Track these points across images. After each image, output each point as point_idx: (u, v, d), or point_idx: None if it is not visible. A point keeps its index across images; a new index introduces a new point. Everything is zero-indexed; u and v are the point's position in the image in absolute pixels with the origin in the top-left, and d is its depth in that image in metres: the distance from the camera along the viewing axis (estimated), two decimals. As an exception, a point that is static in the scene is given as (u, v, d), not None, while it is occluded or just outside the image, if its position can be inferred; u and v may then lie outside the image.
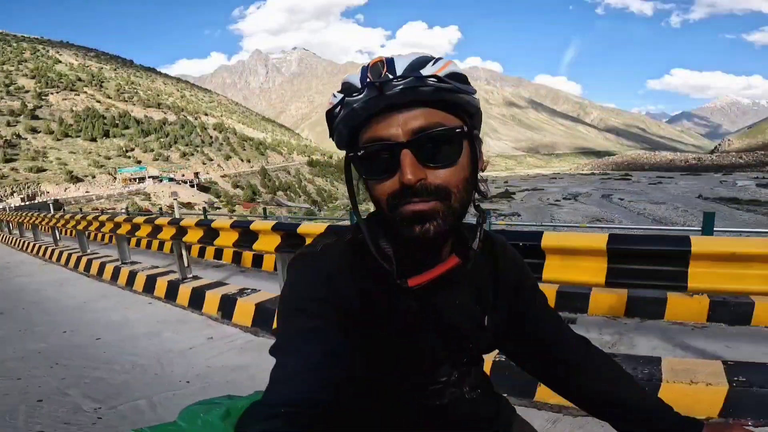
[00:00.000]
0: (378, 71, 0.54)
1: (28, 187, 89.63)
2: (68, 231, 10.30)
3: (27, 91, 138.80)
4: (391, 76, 0.54)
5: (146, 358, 3.05)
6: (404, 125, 0.55)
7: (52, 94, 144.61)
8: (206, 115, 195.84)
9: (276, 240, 3.82)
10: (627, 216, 47.63)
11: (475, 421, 0.72)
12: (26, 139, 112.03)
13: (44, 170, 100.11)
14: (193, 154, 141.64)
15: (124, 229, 5.95)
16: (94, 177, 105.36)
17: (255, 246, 3.99)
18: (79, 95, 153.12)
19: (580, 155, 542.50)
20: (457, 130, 0.57)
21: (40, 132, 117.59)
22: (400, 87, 0.54)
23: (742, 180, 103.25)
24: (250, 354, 3.08)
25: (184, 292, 4.41)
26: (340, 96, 0.57)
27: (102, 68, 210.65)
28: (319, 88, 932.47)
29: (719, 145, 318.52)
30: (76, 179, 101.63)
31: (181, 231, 4.84)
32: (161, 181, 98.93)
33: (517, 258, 0.78)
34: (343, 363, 0.55)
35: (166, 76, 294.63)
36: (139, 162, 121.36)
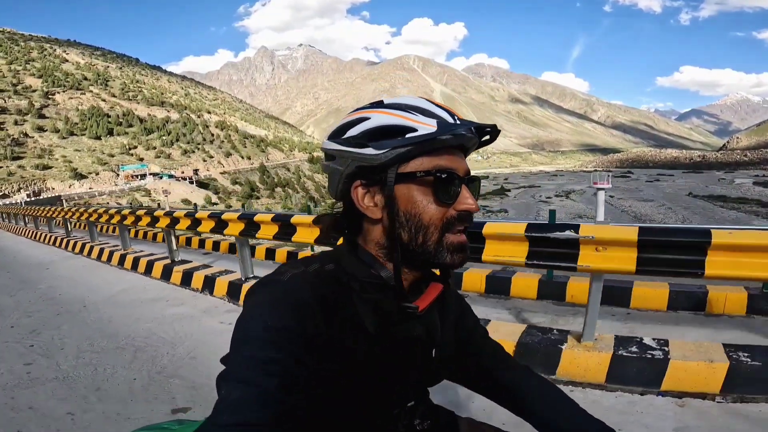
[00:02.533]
0: (453, 113, 0.64)
1: (34, 184, 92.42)
2: (80, 224, 10.82)
3: (34, 90, 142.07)
4: (461, 119, 0.63)
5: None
6: (463, 164, 0.65)
7: (58, 93, 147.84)
8: (209, 112, 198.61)
9: (240, 226, 4.50)
10: (610, 213, 48.79)
11: None
12: (33, 137, 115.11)
13: (50, 167, 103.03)
14: (194, 152, 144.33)
15: (141, 221, 6.47)
16: (97, 174, 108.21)
17: (225, 231, 4.67)
18: (84, 94, 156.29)
19: (586, 152, 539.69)
20: (481, 178, 0.67)
21: (46, 131, 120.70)
22: (475, 133, 0.63)
23: (741, 178, 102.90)
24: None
25: (177, 270, 5.28)
26: (432, 120, 0.61)
27: (108, 67, 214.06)
28: (324, 85, 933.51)
29: (728, 142, 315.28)
30: (80, 176, 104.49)
31: (174, 221, 5.50)
32: (161, 178, 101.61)
33: (457, 293, 0.84)
34: (299, 397, 0.53)
35: (170, 74, 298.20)
36: (141, 159, 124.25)
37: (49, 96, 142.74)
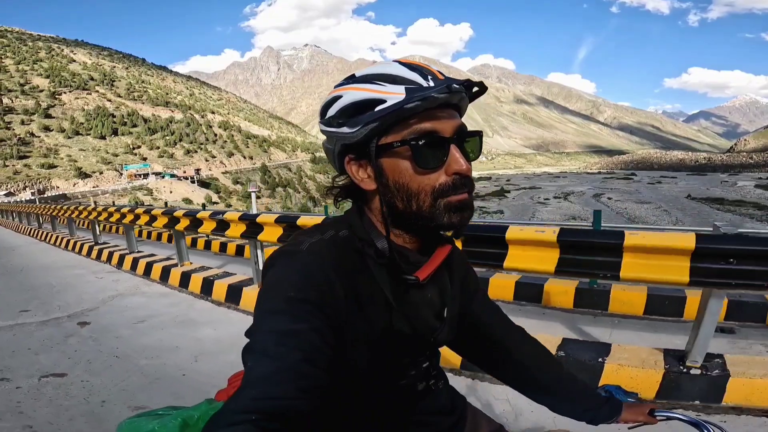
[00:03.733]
0: (430, 72, 0.60)
1: (40, 183, 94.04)
2: (106, 225, 10.51)
3: (41, 91, 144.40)
4: (441, 79, 0.60)
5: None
6: (451, 123, 0.61)
7: (65, 93, 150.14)
8: (213, 113, 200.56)
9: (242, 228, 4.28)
10: (606, 215, 48.95)
11: (441, 411, 0.77)
12: (39, 137, 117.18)
13: (55, 167, 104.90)
14: (196, 152, 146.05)
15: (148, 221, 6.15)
16: (101, 173, 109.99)
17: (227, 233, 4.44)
18: (90, 94, 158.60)
19: (592, 154, 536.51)
20: (479, 132, 0.65)
21: (52, 130, 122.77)
22: (458, 88, 0.59)
23: (743, 180, 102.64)
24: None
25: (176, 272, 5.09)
26: (401, 87, 0.58)
27: (114, 67, 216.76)
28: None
29: (735, 144, 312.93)
30: (84, 175, 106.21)
31: (174, 220, 5.38)
32: (163, 177, 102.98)
33: (461, 254, 0.84)
34: (322, 369, 0.54)
35: (176, 74, 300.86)
36: (144, 159, 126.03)
37: (56, 96, 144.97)
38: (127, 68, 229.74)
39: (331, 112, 0.63)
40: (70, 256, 7.72)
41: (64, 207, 10.12)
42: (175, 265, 5.36)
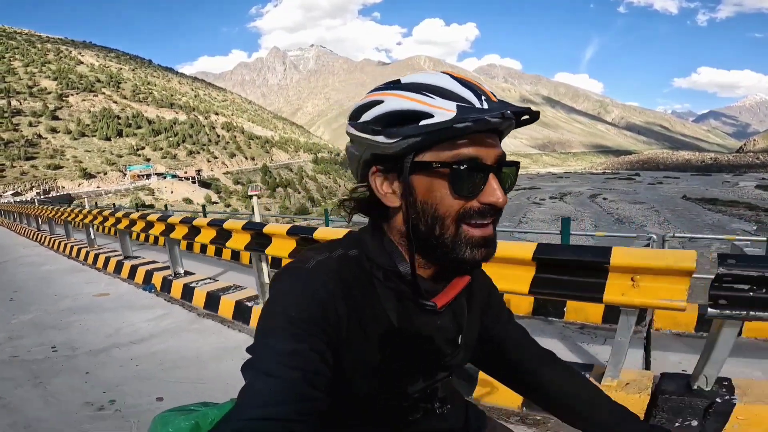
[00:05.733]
0: (483, 93, 0.56)
1: (46, 183, 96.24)
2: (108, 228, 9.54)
3: (49, 93, 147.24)
4: (495, 101, 0.56)
5: None
6: (493, 150, 0.57)
7: (72, 95, 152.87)
8: (217, 114, 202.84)
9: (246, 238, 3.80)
10: (596, 215, 49.73)
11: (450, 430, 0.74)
12: (46, 138, 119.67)
13: (61, 167, 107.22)
14: (199, 152, 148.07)
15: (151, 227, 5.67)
16: (105, 174, 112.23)
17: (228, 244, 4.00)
18: (97, 96, 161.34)
19: (598, 154, 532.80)
20: (518, 163, 0.62)
21: (59, 132, 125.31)
22: (510, 115, 0.54)
23: (746, 181, 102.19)
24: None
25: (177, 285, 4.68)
26: (452, 104, 0.54)
27: (121, 69, 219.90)
28: (335, 86, 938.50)
29: (744, 144, 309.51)
30: (89, 176, 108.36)
31: (170, 228, 4.94)
32: (165, 177, 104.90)
33: (486, 276, 0.81)
34: (321, 390, 0.53)
35: (182, 75, 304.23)
36: (148, 160, 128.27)
37: (63, 98, 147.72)
38: (133, 70, 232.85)
39: (368, 116, 0.58)
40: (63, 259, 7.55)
41: (60, 209, 9.94)
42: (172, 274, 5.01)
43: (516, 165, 0.62)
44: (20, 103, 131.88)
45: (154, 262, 5.88)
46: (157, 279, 5.04)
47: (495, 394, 2.23)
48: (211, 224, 4.22)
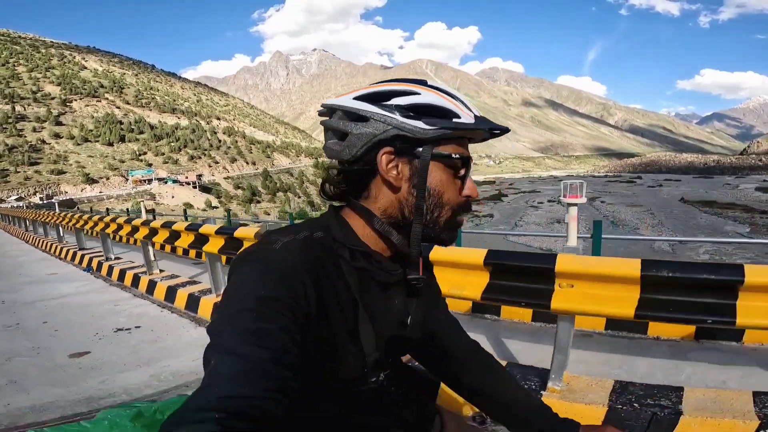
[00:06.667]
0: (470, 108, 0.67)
1: (49, 188, 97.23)
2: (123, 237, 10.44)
3: (53, 98, 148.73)
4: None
5: None
6: (468, 153, 0.68)
7: (75, 100, 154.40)
8: (218, 119, 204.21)
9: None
10: (592, 218, 49.76)
11: (402, 420, 0.77)
12: (50, 143, 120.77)
13: (64, 172, 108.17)
14: (200, 157, 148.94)
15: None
16: (108, 179, 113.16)
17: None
18: (100, 101, 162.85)
19: (601, 157, 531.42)
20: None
21: (62, 137, 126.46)
22: (489, 135, 0.69)
23: (747, 183, 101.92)
24: None
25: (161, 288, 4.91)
26: (470, 111, 0.65)
27: (124, 74, 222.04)
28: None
29: (748, 146, 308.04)
30: (92, 180, 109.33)
31: (152, 232, 5.23)
32: (166, 182, 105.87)
33: (431, 273, 0.88)
34: (291, 369, 0.53)
35: (185, 80, 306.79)
36: (150, 165, 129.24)
37: (67, 103, 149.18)
38: (136, 75, 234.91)
39: (401, 101, 0.63)
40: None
41: (53, 214, 10.91)
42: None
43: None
44: (24, 109, 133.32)
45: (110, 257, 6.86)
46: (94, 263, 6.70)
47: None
48: (144, 224, 5.38)
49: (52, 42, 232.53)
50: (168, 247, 6.52)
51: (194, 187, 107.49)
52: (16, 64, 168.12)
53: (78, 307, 4.57)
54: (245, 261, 0.61)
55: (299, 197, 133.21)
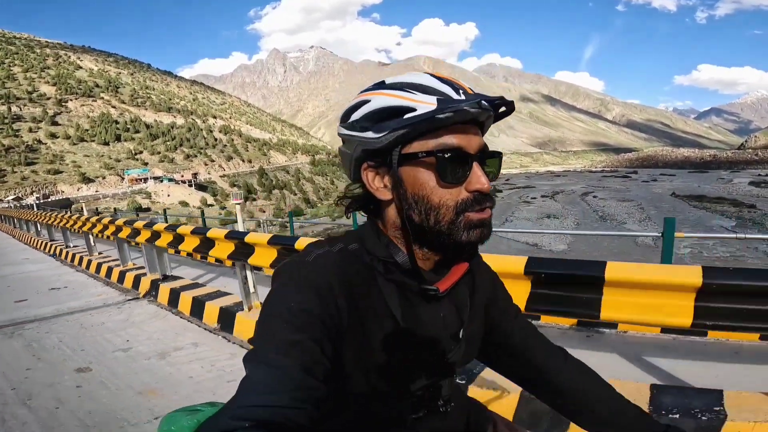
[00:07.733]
0: (461, 87, 0.61)
1: (45, 188, 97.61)
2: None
3: (48, 98, 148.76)
4: (471, 93, 0.60)
5: None
6: (475, 140, 0.61)
7: (71, 100, 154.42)
8: (214, 117, 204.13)
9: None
10: (581, 213, 50.64)
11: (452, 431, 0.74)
12: (46, 143, 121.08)
13: (60, 172, 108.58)
14: (196, 156, 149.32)
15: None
16: (104, 178, 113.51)
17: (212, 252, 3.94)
18: (96, 101, 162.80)
19: (599, 152, 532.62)
20: (500, 153, 0.66)
21: (58, 137, 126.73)
22: (486, 105, 0.59)
23: (741, 177, 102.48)
24: None
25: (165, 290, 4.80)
26: (432, 97, 0.59)
27: (120, 73, 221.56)
28: (335, 87, 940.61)
29: (746, 141, 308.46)
30: (88, 180, 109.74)
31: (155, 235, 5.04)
32: (162, 181, 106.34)
33: (491, 271, 0.82)
34: (321, 380, 0.54)
35: (181, 78, 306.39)
36: (146, 164, 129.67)
37: (62, 103, 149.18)
38: (132, 74, 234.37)
39: (356, 116, 0.62)
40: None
41: (44, 214, 11.55)
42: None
43: (499, 156, 0.65)
44: (20, 109, 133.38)
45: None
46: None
47: (498, 392, 2.17)
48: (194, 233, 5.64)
49: (47, 42, 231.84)
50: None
51: (190, 186, 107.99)
52: (11, 64, 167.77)
53: (36, 279, 6.52)
54: (280, 273, 0.62)
55: (295, 194, 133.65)
